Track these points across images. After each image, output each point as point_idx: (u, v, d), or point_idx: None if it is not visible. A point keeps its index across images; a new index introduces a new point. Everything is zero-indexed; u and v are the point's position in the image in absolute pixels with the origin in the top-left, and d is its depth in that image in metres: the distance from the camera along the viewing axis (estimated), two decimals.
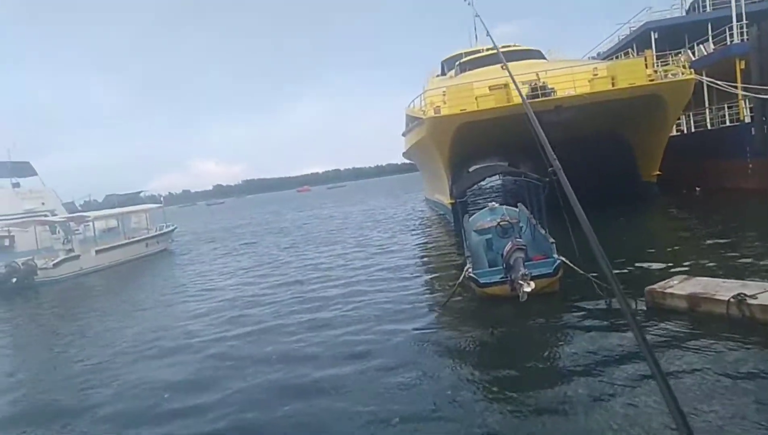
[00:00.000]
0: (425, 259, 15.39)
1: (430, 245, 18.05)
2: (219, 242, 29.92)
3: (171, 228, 31.02)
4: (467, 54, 28.43)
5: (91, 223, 24.45)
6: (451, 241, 17.38)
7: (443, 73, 30.35)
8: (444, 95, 19.06)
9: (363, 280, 12.79)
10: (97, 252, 23.35)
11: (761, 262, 9.60)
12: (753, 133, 17.85)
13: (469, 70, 24.47)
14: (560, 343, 7.17)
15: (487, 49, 28.31)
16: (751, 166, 18.37)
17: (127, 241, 26.06)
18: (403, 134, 29.95)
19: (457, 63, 26.98)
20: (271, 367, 7.69)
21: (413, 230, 22.93)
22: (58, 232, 22.70)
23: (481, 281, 9.22)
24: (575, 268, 9.13)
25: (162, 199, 35.35)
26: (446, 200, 21.61)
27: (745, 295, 6.72)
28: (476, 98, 18.13)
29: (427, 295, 10.71)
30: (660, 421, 4.68)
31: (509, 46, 28.13)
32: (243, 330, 9.87)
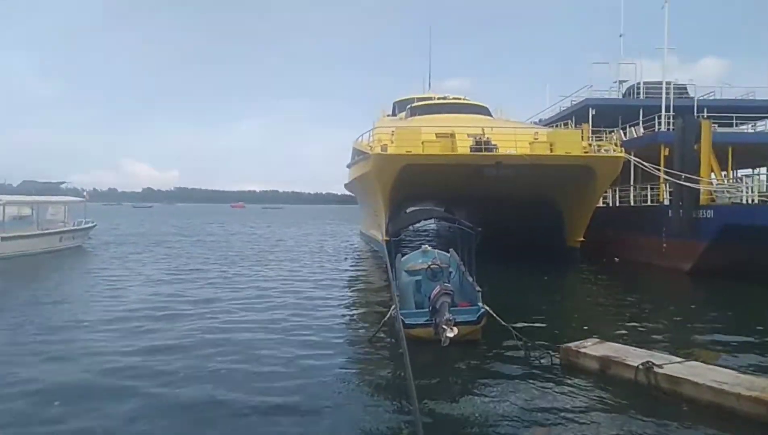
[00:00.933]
0: (354, 293, 15.30)
1: (360, 280, 17.99)
2: (139, 247, 28.51)
3: (90, 225, 29.31)
4: (419, 99, 29.32)
5: (0, 208, 22.70)
6: (381, 278, 17.40)
7: (394, 114, 31.03)
8: (392, 134, 19.44)
9: (287, 308, 12.38)
10: (2, 239, 21.64)
11: (666, 336, 10.23)
12: (670, 215, 19.21)
13: (419, 114, 25.16)
14: (474, 390, 7.24)
15: (439, 98, 29.36)
16: (665, 245, 19.70)
17: (39, 232, 24.33)
18: (348, 166, 30.14)
19: (409, 106, 27.69)
20: (171, 399, 6.78)
21: (345, 262, 22.83)
22: None
23: (406, 322, 9.21)
24: (498, 318, 9.38)
25: (85, 193, 33.38)
26: (380, 237, 21.75)
27: (653, 363, 7.09)
28: (422, 142, 18.61)
29: (351, 331, 10.59)
30: None
31: (459, 99, 29.30)
32: (140, 346, 9.03)
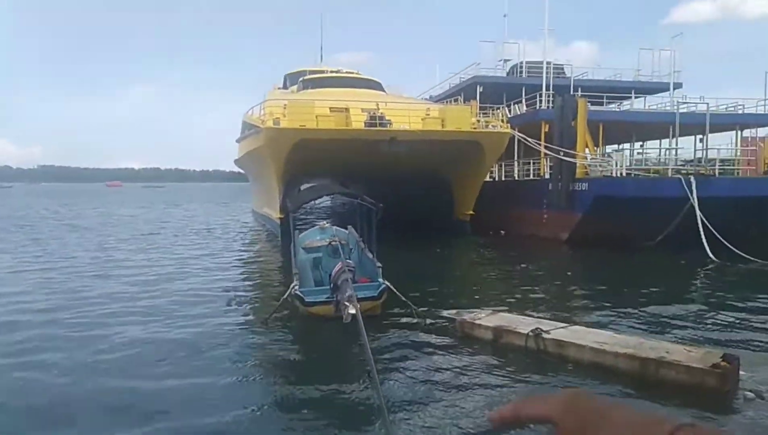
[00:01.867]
0: (249, 273, 14.77)
1: (255, 259, 17.44)
2: None
3: None
4: (311, 72, 28.64)
5: None
6: (278, 257, 16.98)
7: (285, 87, 30.11)
8: (285, 108, 18.84)
9: (177, 293, 11.57)
10: None
11: (551, 302, 10.97)
12: (550, 187, 20.56)
13: (312, 88, 24.62)
14: (377, 365, 7.26)
15: (331, 71, 28.91)
16: (545, 216, 21.10)
17: None
18: (238, 141, 28.88)
19: (301, 79, 26.98)
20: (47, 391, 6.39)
21: (238, 242, 22.00)
22: None
23: (307, 300, 9.04)
24: (398, 293, 9.48)
25: None
26: (275, 215, 21.18)
27: (541, 329, 7.54)
28: (316, 117, 18.22)
29: (249, 311, 10.18)
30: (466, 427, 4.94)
31: (353, 73, 29.07)
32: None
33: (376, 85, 26.41)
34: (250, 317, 9.72)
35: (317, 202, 40.09)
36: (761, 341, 8.20)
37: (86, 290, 11.96)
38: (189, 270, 14.57)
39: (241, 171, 35.04)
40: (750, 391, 6.13)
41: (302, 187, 20.61)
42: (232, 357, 7.49)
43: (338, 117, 18.74)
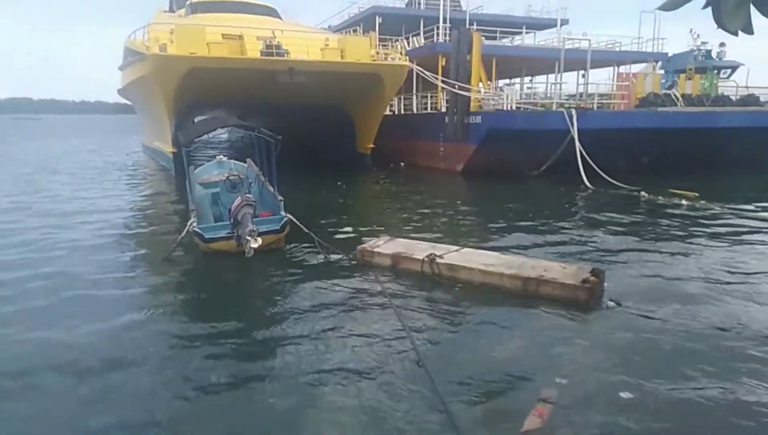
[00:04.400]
0: (143, 212, 14.07)
1: (148, 197, 16.59)
2: None
3: None
4: None
5: None
6: (172, 193, 16.34)
7: (172, 10, 27.80)
8: (172, 33, 17.54)
9: (67, 235, 10.84)
10: None
11: (446, 228, 11.66)
12: (446, 121, 21.18)
13: (201, 12, 23.01)
14: (282, 296, 7.48)
15: None
16: (442, 149, 21.85)
17: None
18: (120, 68, 26.59)
19: (189, 2, 25.04)
20: None
21: (128, 179, 20.72)
22: None
23: (207, 236, 8.93)
24: (300, 225, 9.64)
25: None
26: (167, 149, 20.14)
27: (435, 255, 8.07)
28: (207, 44, 17.18)
29: (144, 252, 9.73)
30: (373, 357, 5.35)
31: None
32: None
33: (271, 12, 25.15)
34: (148, 258, 9.40)
35: (213, 135, 38.25)
36: (625, 255, 9.36)
37: None
38: (77, 211, 13.60)
39: (127, 102, 32.48)
40: (611, 300, 7.06)
41: (196, 120, 19.65)
42: (131, 298, 7.32)
43: (232, 45, 17.79)
